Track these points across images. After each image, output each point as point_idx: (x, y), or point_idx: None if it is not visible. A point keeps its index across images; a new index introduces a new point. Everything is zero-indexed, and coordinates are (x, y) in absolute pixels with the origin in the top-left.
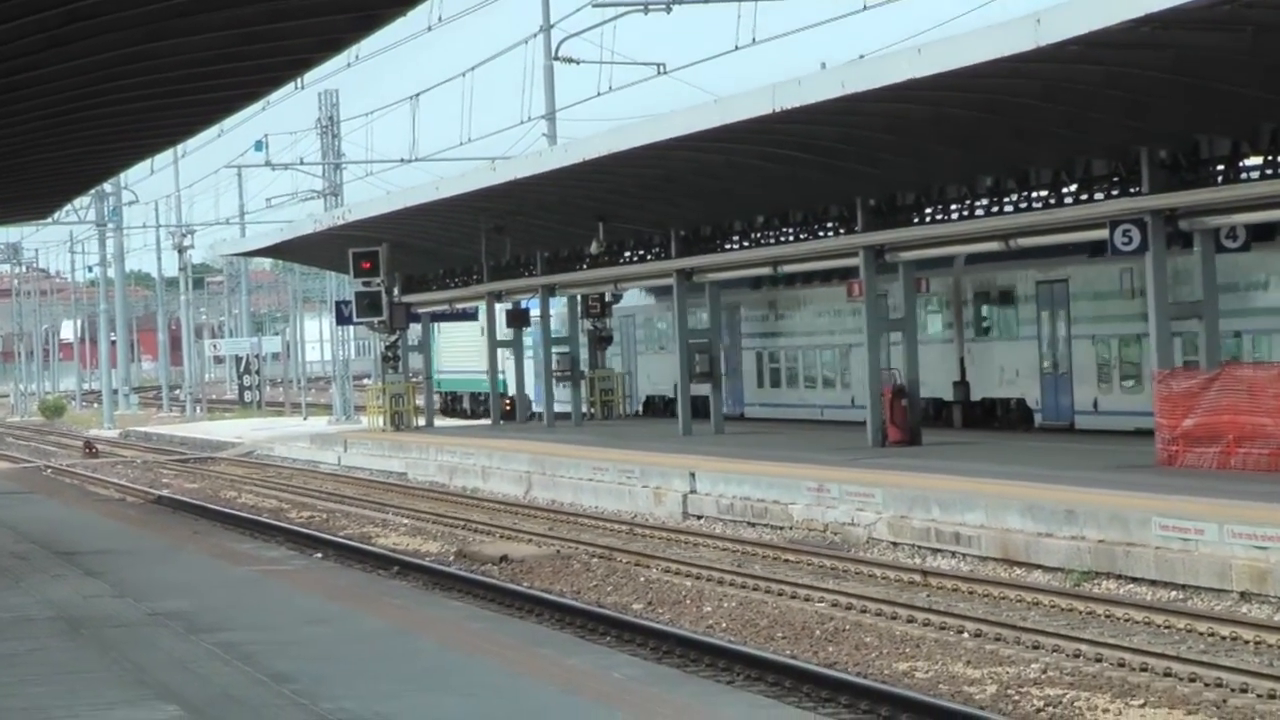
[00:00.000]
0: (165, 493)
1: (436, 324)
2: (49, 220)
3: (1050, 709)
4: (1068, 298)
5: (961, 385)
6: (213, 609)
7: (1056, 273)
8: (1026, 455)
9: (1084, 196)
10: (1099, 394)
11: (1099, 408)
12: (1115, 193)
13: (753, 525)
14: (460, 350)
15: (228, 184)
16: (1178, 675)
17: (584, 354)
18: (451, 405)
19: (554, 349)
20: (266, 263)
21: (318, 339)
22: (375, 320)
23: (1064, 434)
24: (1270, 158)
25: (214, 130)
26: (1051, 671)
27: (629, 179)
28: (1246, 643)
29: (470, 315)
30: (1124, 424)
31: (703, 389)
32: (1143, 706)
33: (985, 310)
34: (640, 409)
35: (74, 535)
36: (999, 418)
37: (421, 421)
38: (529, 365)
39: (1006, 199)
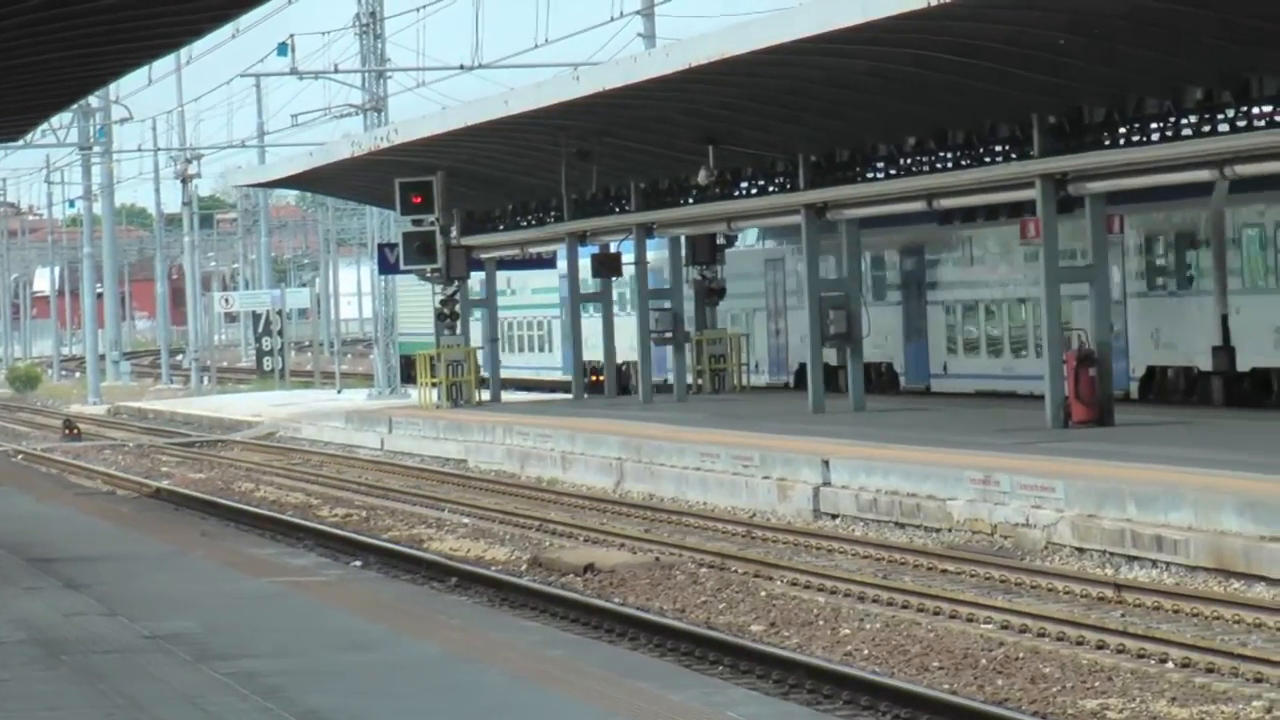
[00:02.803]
0: (165, 484)
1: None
2: (20, 143)
3: None
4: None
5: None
6: (226, 630)
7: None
8: (1244, 439)
9: None
10: (948, 358)
11: (948, 370)
12: None
13: (902, 526)
14: (415, 310)
15: (244, 97)
16: None
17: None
18: (407, 372)
19: (652, 304)
20: (292, 196)
21: (355, 292)
22: (428, 268)
23: None
24: None
25: (227, 30)
26: (1278, 711)
27: (746, 91)
28: None
29: (547, 262)
30: (966, 386)
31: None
32: None
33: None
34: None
35: (52, 537)
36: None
37: (485, 396)
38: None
39: (1220, 116)
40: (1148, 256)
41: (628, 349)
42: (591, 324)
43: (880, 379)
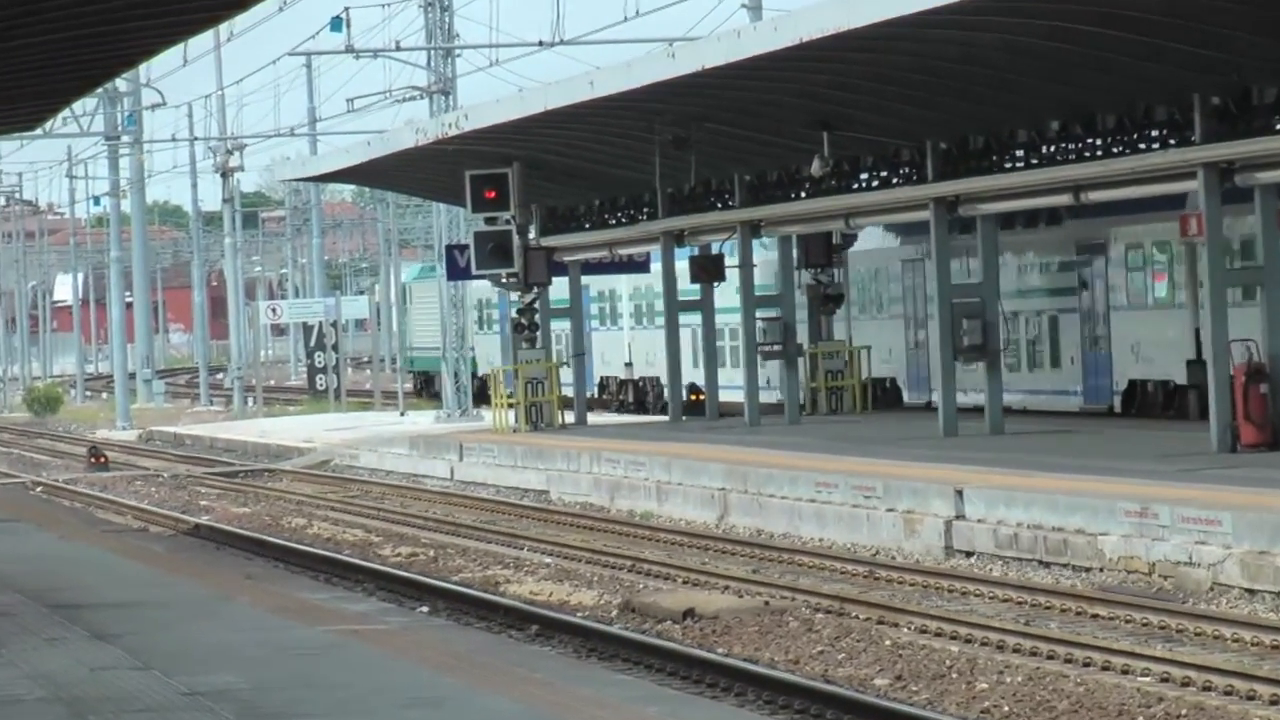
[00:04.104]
0: (205, 520)
1: (409, 286)
2: (38, 132)
3: None
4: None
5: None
6: (275, 686)
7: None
8: None
9: None
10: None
11: None
12: None
13: (1046, 565)
14: (429, 320)
15: (292, 79)
16: None
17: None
18: (423, 387)
19: (759, 312)
20: (348, 192)
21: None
22: (503, 273)
23: None
24: None
25: (273, 2)
26: None
27: (865, 70)
28: None
29: (639, 265)
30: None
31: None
32: None
33: None
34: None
35: (77, 581)
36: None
37: (570, 418)
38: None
39: None
40: (1129, 268)
41: (644, 364)
42: (609, 337)
43: (885, 394)
